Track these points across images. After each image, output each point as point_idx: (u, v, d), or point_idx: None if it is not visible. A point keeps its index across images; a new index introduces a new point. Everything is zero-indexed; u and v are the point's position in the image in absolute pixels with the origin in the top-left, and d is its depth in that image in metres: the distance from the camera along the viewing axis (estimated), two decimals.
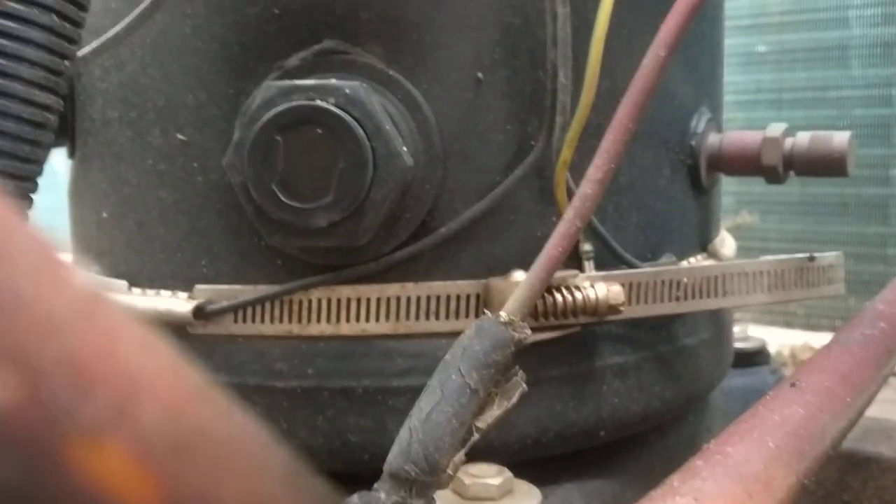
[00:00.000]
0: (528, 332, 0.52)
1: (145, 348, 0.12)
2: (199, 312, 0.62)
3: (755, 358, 0.92)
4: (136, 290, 0.66)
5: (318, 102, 0.53)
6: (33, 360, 0.11)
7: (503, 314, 0.51)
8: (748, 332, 0.96)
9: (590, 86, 0.54)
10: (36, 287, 0.11)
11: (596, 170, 0.49)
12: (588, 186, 0.50)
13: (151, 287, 0.66)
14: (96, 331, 0.11)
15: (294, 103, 0.53)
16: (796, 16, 1.56)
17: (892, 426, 0.89)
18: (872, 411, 0.94)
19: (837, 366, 0.50)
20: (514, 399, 0.52)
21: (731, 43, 1.68)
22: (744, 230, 1.55)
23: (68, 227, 0.76)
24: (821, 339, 1.52)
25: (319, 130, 0.53)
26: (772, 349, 1.49)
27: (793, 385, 0.46)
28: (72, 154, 0.73)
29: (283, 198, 0.54)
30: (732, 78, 1.61)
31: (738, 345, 0.92)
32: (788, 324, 1.59)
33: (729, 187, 1.60)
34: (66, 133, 0.73)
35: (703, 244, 0.74)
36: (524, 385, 0.53)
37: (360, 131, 0.53)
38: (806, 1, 1.55)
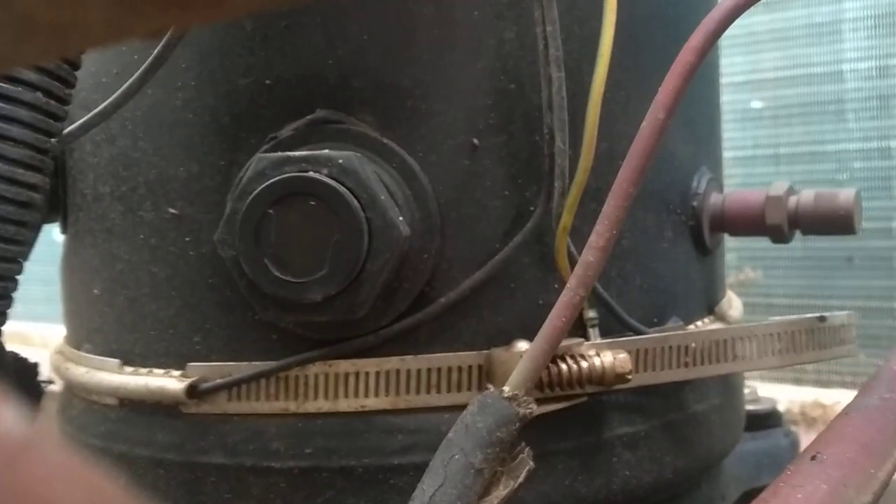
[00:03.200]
0: (534, 406, 0.50)
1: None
2: (192, 391, 0.60)
3: (767, 420, 0.89)
4: (128, 369, 0.64)
5: (311, 174, 0.52)
6: None
7: (507, 389, 0.49)
8: (758, 393, 0.93)
9: (588, 150, 0.53)
10: None
11: (598, 237, 0.48)
12: (590, 254, 0.49)
13: (144, 365, 0.64)
14: (19, 491, 0.09)
15: (286, 175, 0.52)
16: (790, 71, 1.57)
17: None
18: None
19: (858, 435, 0.47)
20: (521, 478, 0.50)
21: (727, 100, 1.69)
22: (747, 286, 1.54)
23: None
24: (831, 395, 1.49)
25: (313, 202, 0.52)
26: (781, 407, 1.46)
27: (813, 458, 0.44)
28: (64, 229, 0.72)
29: (276, 272, 0.52)
30: (729, 134, 1.61)
31: (748, 407, 0.89)
32: (798, 381, 1.56)
33: (730, 243, 1.58)
34: (59, 208, 0.72)
35: (710, 306, 0.72)
36: (531, 463, 0.51)
37: (355, 202, 0.51)
38: (799, 56, 1.56)
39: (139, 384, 0.62)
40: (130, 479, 0.64)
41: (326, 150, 0.53)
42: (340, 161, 0.52)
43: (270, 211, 0.52)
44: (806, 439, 0.76)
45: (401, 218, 0.53)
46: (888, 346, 1.46)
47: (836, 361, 1.49)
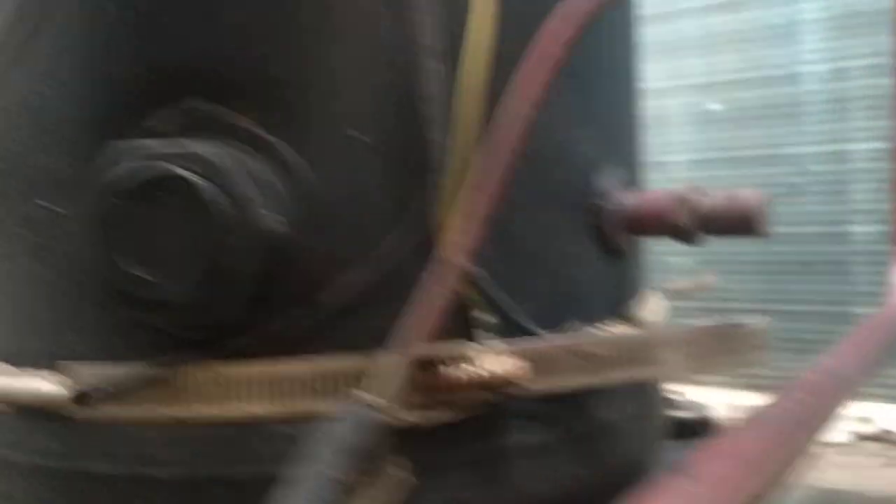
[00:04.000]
0: (401, 414, 0.48)
1: None
2: (75, 396, 0.57)
3: (698, 428, 0.87)
4: (9, 370, 0.62)
5: (176, 169, 0.49)
6: None
7: (368, 395, 0.47)
8: (690, 400, 0.91)
9: (464, 145, 0.51)
10: None
11: (463, 235, 0.46)
12: (455, 253, 0.46)
13: (21, 365, 0.61)
14: None
15: (150, 170, 0.49)
16: (748, 73, 1.55)
17: (843, 497, 0.84)
18: (837, 479, 0.89)
19: (738, 449, 0.45)
20: (396, 491, 0.47)
21: (684, 102, 1.67)
22: (704, 290, 1.52)
23: None
24: None
25: (175, 197, 0.49)
26: (738, 413, 1.44)
27: (682, 473, 0.42)
28: None
29: (135, 270, 0.50)
30: (686, 137, 1.60)
31: (679, 414, 0.87)
32: (754, 387, 1.54)
33: (689, 247, 1.56)
34: None
35: (618, 309, 0.70)
36: (406, 475, 0.48)
37: (220, 198, 0.49)
38: (757, 59, 1.55)
39: (19, 386, 0.60)
40: (16, 487, 0.62)
41: (193, 145, 0.51)
42: (207, 156, 0.50)
43: (131, 206, 0.49)
44: None
45: (271, 214, 0.51)
46: None
47: (793, 368, 1.47)
